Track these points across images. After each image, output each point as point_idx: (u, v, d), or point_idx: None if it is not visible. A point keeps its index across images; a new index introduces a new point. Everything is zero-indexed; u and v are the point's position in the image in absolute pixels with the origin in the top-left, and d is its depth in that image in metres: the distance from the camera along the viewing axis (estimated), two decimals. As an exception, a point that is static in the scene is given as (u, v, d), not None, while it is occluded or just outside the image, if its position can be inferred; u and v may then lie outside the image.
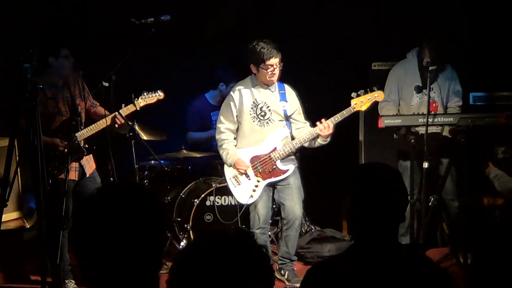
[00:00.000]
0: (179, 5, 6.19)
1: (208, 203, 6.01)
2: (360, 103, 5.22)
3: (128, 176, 5.77)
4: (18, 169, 4.84)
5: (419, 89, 5.64)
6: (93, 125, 5.23)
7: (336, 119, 5.20)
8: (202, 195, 5.97)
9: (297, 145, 5.30)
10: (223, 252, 1.70)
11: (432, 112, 5.46)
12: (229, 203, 5.98)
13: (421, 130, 5.20)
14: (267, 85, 5.34)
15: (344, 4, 6.75)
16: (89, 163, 5.34)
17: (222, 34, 6.76)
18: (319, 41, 6.82)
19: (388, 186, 2.36)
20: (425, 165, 5.21)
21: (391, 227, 2.36)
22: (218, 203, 6.02)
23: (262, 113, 5.33)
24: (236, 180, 5.41)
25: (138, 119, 5.68)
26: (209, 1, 6.82)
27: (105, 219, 1.77)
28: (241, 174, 5.37)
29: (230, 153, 5.36)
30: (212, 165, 6.47)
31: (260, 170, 5.35)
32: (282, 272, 5.48)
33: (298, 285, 5.22)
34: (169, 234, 5.87)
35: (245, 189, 5.39)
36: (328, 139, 5.24)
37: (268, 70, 5.21)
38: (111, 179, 5.37)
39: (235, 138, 5.43)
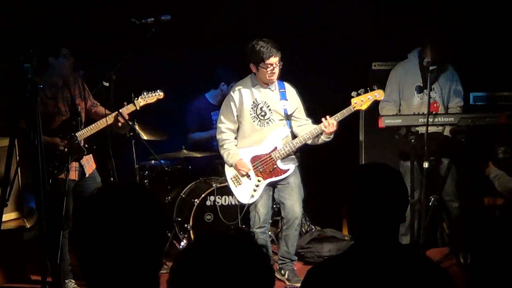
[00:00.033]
0: (179, 5, 6.19)
1: (208, 203, 6.01)
2: (360, 102, 5.22)
3: (129, 176, 5.77)
4: (18, 169, 4.84)
5: (420, 89, 5.63)
6: (93, 125, 5.23)
7: (336, 118, 5.20)
8: (203, 195, 5.97)
9: (298, 144, 5.30)
10: (224, 252, 1.70)
11: (433, 112, 5.47)
12: (230, 203, 5.98)
13: (422, 130, 5.20)
14: (267, 84, 5.34)
15: (344, 4, 6.75)
16: (89, 163, 5.34)
17: (222, 34, 6.76)
18: (319, 41, 6.82)
19: (388, 186, 2.36)
20: (426, 165, 5.21)
21: (392, 227, 2.36)
22: (218, 203, 6.02)
23: (262, 113, 5.33)
24: (237, 180, 5.41)
25: (139, 119, 5.67)
26: (209, 1, 6.81)
27: (105, 219, 1.78)
28: (242, 175, 5.38)
29: (231, 153, 5.36)
30: (213, 165, 6.48)
31: (260, 170, 5.35)
32: (282, 272, 5.48)
33: (298, 285, 5.21)
34: (169, 234, 5.87)
35: (246, 189, 5.39)
36: (331, 136, 5.24)
37: (268, 69, 5.21)
38: (111, 179, 5.37)
39: (235, 138, 5.42)
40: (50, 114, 5.10)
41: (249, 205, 5.40)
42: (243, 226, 5.63)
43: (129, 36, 5.51)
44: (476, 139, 5.48)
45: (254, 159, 5.36)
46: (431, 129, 5.25)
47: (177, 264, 1.74)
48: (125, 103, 5.32)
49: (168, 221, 5.74)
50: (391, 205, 2.34)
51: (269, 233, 5.77)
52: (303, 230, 6.32)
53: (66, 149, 5.09)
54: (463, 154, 5.49)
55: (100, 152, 5.33)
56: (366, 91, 5.24)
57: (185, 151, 6.39)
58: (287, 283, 5.43)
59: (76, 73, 5.30)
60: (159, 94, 5.43)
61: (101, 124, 5.21)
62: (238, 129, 5.41)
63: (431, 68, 5.33)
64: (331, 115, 5.21)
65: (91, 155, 5.32)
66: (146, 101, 5.39)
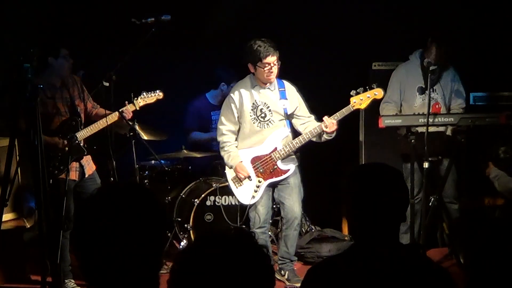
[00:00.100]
0: (179, 5, 6.19)
1: (208, 203, 6.01)
2: (360, 101, 5.22)
3: (129, 176, 5.77)
4: (18, 169, 4.84)
5: (422, 91, 5.63)
6: (93, 125, 5.24)
7: (336, 117, 5.20)
8: (203, 195, 5.97)
9: (298, 145, 5.30)
10: (224, 252, 1.70)
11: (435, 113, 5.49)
12: (230, 203, 5.97)
13: (423, 129, 5.20)
14: (266, 84, 5.33)
15: (344, 4, 6.75)
16: (89, 164, 5.35)
17: (222, 34, 6.76)
18: (319, 41, 6.82)
19: (389, 186, 2.36)
20: (426, 165, 5.21)
21: (392, 227, 2.36)
22: (218, 203, 6.02)
23: (262, 115, 5.33)
24: (237, 181, 5.41)
25: (139, 119, 5.68)
26: (209, 1, 6.81)
27: (105, 219, 1.78)
28: (241, 179, 5.38)
29: (232, 155, 5.36)
30: (213, 165, 6.48)
31: (261, 170, 5.35)
32: (282, 272, 5.47)
33: (298, 285, 5.21)
34: (169, 234, 5.87)
35: (246, 190, 5.38)
36: (333, 135, 5.25)
37: (265, 69, 5.20)
38: (112, 179, 5.37)
39: (236, 139, 5.42)
40: (50, 114, 5.10)
41: (250, 205, 5.40)
42: (243, 226, 5.63)
43: (129, 36, 5.51)
44: (476, 139, 5.48)
45: (254, 160, 5.36)
46: (434, 128, 5.26)
47: (178, 264, 1.74)
48: (126, 102, 5.33)
49: (168, 221, 5.74)
50: (391, 205, 2.34)
51: (269, 233, 5.77)
52: (303, 230, 6.32)
53: (66, 149, 5.09)
54: (463, 154, 5.49)
55: (101, 152, 5.33)
56: (365, 90, 5.24)
57: (185, 151, 6.38)
58: (287, 283, 5.43)
59: (76, 74, 5.29)
60: (159, 94, 5.43)
61: (101, 124, 5.21)
62: (238, 130, 5.41)
63: (431, 68, 5.33)
64: (331, 115, 5.21)
65: (90, 156, 5.32)
66: (146, 101, 5.40)
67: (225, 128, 5.38)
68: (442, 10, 6.38)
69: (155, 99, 5.43)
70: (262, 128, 5.33)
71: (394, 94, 5.76)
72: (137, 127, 5.65)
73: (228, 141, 5.38)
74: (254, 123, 5.33)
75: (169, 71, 6.78)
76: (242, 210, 5.62)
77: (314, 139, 5.31)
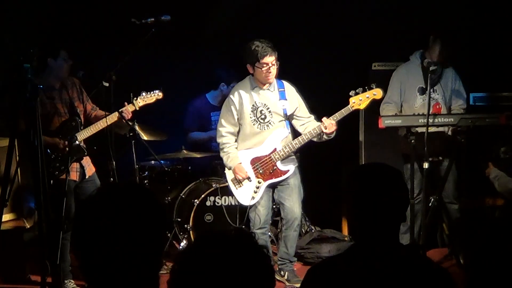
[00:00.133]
0: (179, 5, 6.19)
1: (208, 203, 6.01)
2: (359, 101, 5.22)
3: (128, 176, 5.77)
4: (18, 169, 4.84)
5: (422, 91, 5.62)
6: (92, 126, 5.24)
7: (335, 118, 5.21)
8: (202, 196, 5.97)
9: (297, 145, 5.30)
10: (224, 252, 1.70)
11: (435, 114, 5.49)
12: (230, 204, 5.97)
13: (423, 130, 5.20)
14: (265, 85, 5.32)
15: (344, 4, 6.75)
16: (89, 165, 5.36)
17: (222, 34, 6.77)
18: (319, 41, 6.82)
19: (389, 186, 2.36)
20: (425, 165, 5.20)
21: (392, 227, 2.36)
22: (218, 203, 6.02)
23: (262, 116, 5.33)
24: (237, 182, 5.41)
25: (139, 119, 5.68)
26: (209, 1, 6.81)
27: (105, 219, 1.77)
28: (240, 180, 5.38)
29: (231, 157, 5.36)
30: (212, 165, 6.47)
31: (260, 171, 5.35)
32: (282, 273, 5.47)
33: (298, 285, 5.20)
34: (169, 235, 5.87)
35: (246, 191, 5.38)
36: (333, 135, 5.25)
37: (263, 69, 5.20)
38: (111, 179, 5.37)
39: (236, 141, 5.43)
40: (49, 115, 5.11)
41: (250, 206, 5.40)
42: (243, 226, 5.63)
43: (129, 36, 5.51)
44: (476, 139, 5.48)
45: (254, 161, 5.36)
46: (434, 129, 5.26)
47: (178, 265, 1.74)
48: (126, 103, 5.33)
49: (168, 222, 5.74)
50: (391, 204, 2.34)
51: (269, 233, 5.77)
52: (303, 230, 6.31)
53: (66, 150, 5.09)
54: (463, 154, 5.49)
55: (100, 152, 5.33)
56: (364, 90, 5.24)
57: (185, 151, 6.38)
58: (287, 283, 5.43)
59: (76, 74, 5.29)
60: (158, 94, 5.44)
61: (100, 124, 5.22)
62: (238, 131, 5.41)
63: (431, 68, 5.33)
64: (330, 115, 5.21)
65: (89, 158, 5.33)
66: (145, 101, 5.40)
67: (225, 130, 5.38)
68: (442, 10, 6.38)
69: (154, 99, 5.43)
70: (262, 130, 5.33)
71: (394, 95, 5.75)
72: (137, 128, 5.65)
73: (228, 142, 5.38)
74: (254, 124, 5.33)
75: (169, 71, 6.78)
76: (242, 211, 5.62)
77: (314, 139, 5.31)
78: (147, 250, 1.80)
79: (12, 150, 4.06)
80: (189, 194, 6.16)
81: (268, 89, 5.35)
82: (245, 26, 6.61)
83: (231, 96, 5.38)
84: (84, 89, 5.39)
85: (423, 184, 5.33)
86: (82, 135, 5.20)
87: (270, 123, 5.33)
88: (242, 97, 5.32)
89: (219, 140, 5.44)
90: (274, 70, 5.24)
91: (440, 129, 5.49)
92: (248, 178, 5.36)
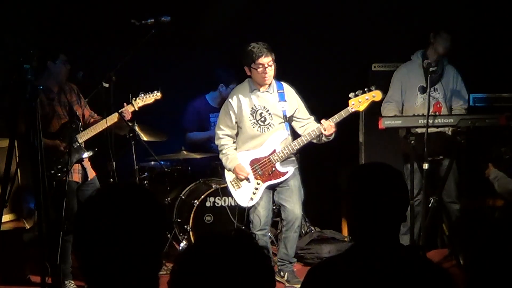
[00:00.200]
0: (178, 6, 6.19)
1: (208, 204, 6.01)
2: (358, 103, 5.22)
3: (128, 177, 5.77)
4: (18, 170, 4.84)
5: (423, 90, 5.62)
6: (93, 127, 5.26)
7: (334, 120, 5.21)
8: (202, 196, 5.96)
9: (297, 147, 5.30)
10: (224, 253, 1.70)
11: (436, 113, 5.49)
12: (229, 204, 5.97)
13: (423, 130, 5.20)
14: (263, 86, 5.32)
15: (344, 5, 6.75)
16: (90, 168, 5.37)
17: (222, 35, 6.76)
18: (319, 42, 6.82)
19: (389, 186, 2.35)
20: (425, 166, 5.20)
21: (392, 227, 2.36)
22: (218, 204, 6.02)
23: (262, 119, 5.33)
24: (236, 183, 5.41)
25: (138, 120, 5.68)
26: (208, 2, 6.81)
27: (105, 220, 1.78)
28: (241, 180, 5.38)
29: (230, 158, 5.36)
30: (212, 166, 6.47)
31: (259, 172, 5.34)
32: (282, 273, 5.47)
33: (298, 286, 5.21)
34: (169, 235, 5.87)
35: (245, 192, 5.38)
36: (332, 137, 5.25)
37: (259, 70, 5.20)
38: (111, 180, 5.38)
39: (234, 142, 5.43)
40: (49, 117, 5.12)
41: (249, 207, 5.40)
42: (243, 227, 5.62)
43: (129, 37, 5.51)
44: (476, 140, 5.48)
45: (253, 162, 5.36)
46: (435, 129, 5.26)
47: (178, 265, 1.74)
48: (125, 103, 5.34)
49: (167, 222, 5.74)
50: (391, 205, 2.34)
51: (269, 234, 5.77)
52: (303, 231, 6.31)
53: (67, 152, 5.10)
54: (463, 155, 5.49)
55: (100, 153, 5.33)
56: (363, 92, 5.24)
57: (184, 152, 6.38)
58: (287, 284, 5.42)
59: (75, 75, 5.30)
60: (157, 95, 5.45)
61: (100, 126, 5.23)
62: (237, 134, 5.41)
63: (431, 69, 5.34)
64: (331, 116, 5.22)
65: (89, 162, 5.34)
66: (144, 101, 5.41)
67: (222, 132, 5.40)
68: (442, 10, 6.38)
69: (153, 100, 5.45)
70: (262, 132, 5.33)
71: (395, 94, 5.76)
72: (136, 128, 5.65)
73: (226, 143, 5.39)
74: (254, 127, 5.33)
75: (168, 72, 6.78)
76: (242, 212, 5.60)
77: (313, 141, 5.31)
78: (146, 251, 1.80)
79: (12, 151, 4.06)
80: (189, 195, 6.16)
81: (267, 91, 5.35)
82: (244, 27, 6.61)
83: (229, 99, 5.39)
84: (82, 95, 5.41)
85: (423, 185, 5.34)
86: (82, 137, 5.21)
87: (270, 125, 5.33)
88: (240, 101, 5.32)
89: (217, 142, 5.45)
90: (270, 71, 5.23)
91: (440, 129, 5.49)
92: (248, 179, 5.36)
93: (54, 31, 6.27)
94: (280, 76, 5.40)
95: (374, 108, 5.56)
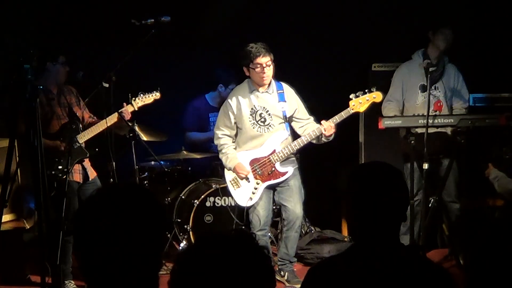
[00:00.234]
0: (178, 6, 6.19)
1: (208, 204, 6.01)
2: (359, 104, 5.23)
3: (128, 177, 5.77)
4: (18, 170, 4.84)
5: (424, 88, 5.61)
6: (93, 127, 5.27)
7: (334, 120, 5.21)
8: (202, 196, 5.97)
9: (297, 147, 5.30)
10: (224, 253, 1.70)
11: (437, 112, 5.51)
12: (229, 204, 5.97)
13: (423, 130, 5.20)
14: (262, 87, 5.32)
15: (344, 5, 6.75)
16: (90, 168, 5.38)
17: (222, 35, 6.76)
18: (319, 42, 6.82)
19: (389, 186, 2.35)
20: (425, 166, 5.21)
21: (392, 227, 2.36)
22: (218, 204, 6.02)
23: (262, 119, 5.33)
24: (235, 183, 5.41)
25: (138, 120, 5.68)
26: (208, 2, 6.81)
27: (105, 220, 1.78)
28: (241, 178, 5.38)
29: (230, 157, 5.37)
30: (212, 166, 6.47)
31: (259, 172, 5.35)
32: (282, 273, 5.47)
33: (298, 286, 5.21)
34: (169, 235, 5.87)
35: (244, 192, 5.39)
36: (331, 138, 5.26)
37: (257, 69, 5.20)
38: (111, 180, 5.38)
39: (233, 141, 5.43)
40: (48, 117, 5.13)
41: (249, 207, 5.40)
42: (243, 227, 5.63)
43: (129, 37, 5.51)
44: (476, 140, 5.49)
45: (253, 162, 5.36)
46: (435, 129, 5.26)
47: (178, 265, 1.74)
48: (124, 104, 5.34)
49: (167, 222, 5.74)
50: (391, 204, 2.34)
51: (269, 234, 5.77)
52: (303, 231, 6.31)
53: (68, 152, 5.11)
54: (463, 155, 5.49)
55: (101, 152, 5.33)
56: (364, 93, 5.24)
57: (184, 152, 6.38)
58: (287, 284, 5.42)
59: (75, 75, 5.30)
60: (156, 95, 5.46)
61: (101, 126, 5.23)
62: (237, 134, 5.41)
63: (431, 69, 5.35)
64: (331, 116, 5.22)
65: (89, 162, 5.34)
66: (144, 101, 5.42)
67: (221, 132, 5.41)
68: (441, 10, 6.38)
69: (152, 100, 5.46)
70: (262, 132, 5.33)
71: (396, 93, 5.76)
72: (136, 128, 5.65)
73: (225, 143, 5.39)
74: (254, 128, 5.33)
75: (168, 72, 6.78)
76: (242, 212, 5.60)
77: (313, 141, 5.32)
78: (146, 251, 1.80)
79: (12, 151, 4.06)
80: (189, 195, 6.16)
81: (266, 91, 5.35)
82: (244, 27, 6.61)
83: (229, 100, 5.39)
84: (82, 95, 5.42)
85: (422, 185, 5.34)
86: (82, 137, 5.22)
87: (270, 125, 5.33)
88: (240, 102, 5.32)
89: (216, 142, 5.46)
90: (269, 71, 5.23)
91: (440, 129, 5.49)
92: (247, 179, 5.37)
93: (54, 31, 6.27)
94: (280, 76, 5.40)
95: (374, 108, 5.56)
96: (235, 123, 5.36)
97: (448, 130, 5.51)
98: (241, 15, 6.72)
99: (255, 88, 5.33)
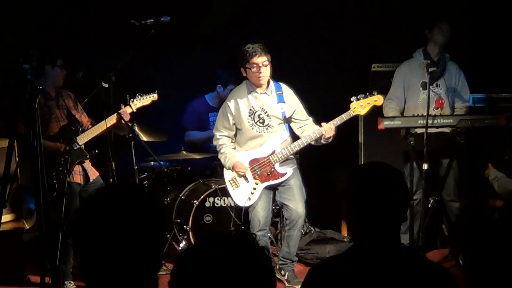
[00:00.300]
0: (178, 6, 6.19)
1: (207, 204, 6.01)
2: (359, 107, 5.23)
3: (128, 177, 5.77)
4: (18, 170, 4.84)
5: (425, 86, 5.63)
6: (92, 128, 5.27)
7: (335, 123, 5.21)
8: (202, 197, 5.96)
9: (296, 148, 5.30)
10: (225, 253, 1.70)
11: (439, 109, 5.50)
12: (229, 205, 5.97)
13: (423, 131, 5.20)
14: (260, 88, 5.31)
15: (344, 5, 6.75)
16: (91, 169, 5.39)
17: (222, 35, 6.76)
18: (318, 42, 6.82)
19: (389, 186, 2.35)
20: (425, 166, 5.21)
21: (392, 227, 2.36)
22: (217, 204, 6.02)
23: (261, 120, 5.33)
24: (234, 182, 5.41)
25: (138, 120, 5.68)
26: (208, 2, 6.81)
27: (104, 220, 1.78)
28: (240, 176, 5.38)
29: (228, 156, 5.37)
30: (212, 166, 6.47)
31: (258, 173, 5.34)
32: (283, 272, 5.46)
33: (298, 286, 5.21)
34: (168, 235, 5.87)
35: (243, 192, 5.38)
36: (330, 140, 5.26)
37: (253, 69, 5.20)
38: (111, 180, 5.38)
39: (232, 142, 5.43)
40: (46, 118, 5.14)
41: (248, 207, 5.40)
42: (243, 227, 5.62)
43: (128, 37, 5.51)
44: (475, 140, 5.49)
45: (252, 162, 5.36)
46: (435, 129, 5.27)
47: (179, 266, 1.74)
48: (122, 105, 5.34)
49: (167, 222, 5.73)
50: (392, 204, 2.34)
51: (268, 234, 5.76)
52: (302, 231, 6.30)
53: (67, 154, 5.11)
54: (462, 155, 5.50)
55: (101, 153, 5.33)
56: (365, 96, 5.24)
57: (184, 152, 6.38)
58: (287, 284, 5.42)
59: (75, 76, 5.30)
60: (154, 96, 5.47)
61: (100, 127, 5.24)
62: (236, 135, 5.42)
63: (430, 69, 5.35)
64: (330, 116, 5.22)
65: (90, 162, 5.34)
66: (142, 103, 5.43)
67: (219, 133, 5.42)
68: (441, 11, 6.38)
69: (150, 101, 5.47)
70: (262, 133, 5.33)
71: (397, 91, 5.77)
72: (136, 129, 5.66)
73: (224, 143, 5.40)
74: (253, 128, 5.33)
75: (168, 72, 6.78)
76: (240, 211, 5.60)
77: (312, 143, 5.31)
78: (146, 251, 1.80)
79: (11, 151, 4.06)
80: (189, 195, 6.16)
81: (265, 92, 5.35)
82: (244, 27, 6.61)
83: (227, 102, 5.40)
84: (82, 95, 5.42)
85: (422, 185, 5.34)
86: (82, 139, 5.23)
87: (269, 126, 5.33)
88: (238, 103, 5.32)
89: (215, 143, 5.47)
90: (265, 71, 5.23)
91: (440, 129, 5.49)
92: (246, 179, 5.36)
93: (54, 31, 6.28)
94: (279, 76, 5.40)
95: (374, 109, 5.56)
96: (233, 124, 5.37)
97: (448, 130, 5.52)
98: (241, 16, 6.72)
99: (253, 89, 5.33)
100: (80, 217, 1.83)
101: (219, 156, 5.46)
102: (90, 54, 6.26)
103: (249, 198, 5.35)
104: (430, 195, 5.47)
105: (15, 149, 4.68)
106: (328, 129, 5.18)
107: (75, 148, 5.18)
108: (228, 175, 5.45)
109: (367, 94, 5.25)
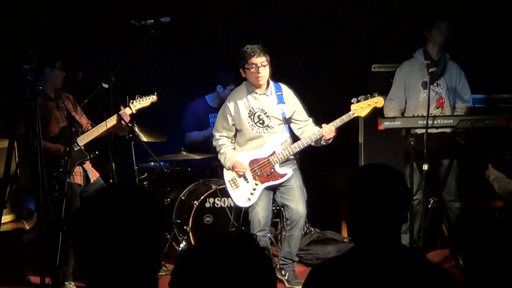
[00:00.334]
0: (178, 6, 6.19)
1: (207, 205, 6.01)
2: (360, 108, 5.23)
3: (128, 178, 5.77)
4: (18, 171, 4.84)
5: (426, 85, 5.63)
6: (93, 129, 5.27)
7: (335, 124, 5.21)
8: (202, 197, 5.96)
9: (296, 149, 5.29)
10: (225, 254, 1.70)
11: (439, 108, 5.49)
12: (229, 205, 5.97)
13: (423, 131, 5.20)
14: (259, 88, 5.31)
15: (344, 6, 6.75)
16: (92, 170, 5.39)
17: (222, 35, 6.76)
18: (318, 43, 6.82)
19: (389, 187, 2.35)
20: (425, 167, 5.21)
21: (393, 228, 2.36)
22: (217, 205, 6.02)
23: (260, 121, 5.33)
24: (234, 183, 5.41)
25: (138, 121, 5.68)
26: (209, 2, 6.81)
27: (104, 220, 1.78)
28: (240, 176, 5.38)
29: (228, 156, 5.37)
30: (212, 167, 6.47)
31: (258, 173, 5.34)
32: (283, 272, 5.46)
33: (298, 287, 5.21)
34: (168, 236, 5.86)
35: (243, 192, 5.38)
36: (330, 141, 5.26)
37: (252, 70, 5.20)
38: (111, 180, 5.38)
39: (232, 142, 5.44)
40: (46, 118, 5.13)
41: (248, 208, 5.39)
42: (243, 228, 5.62)
43: (128, 37, 5.51)
44: (475, 141, 5.49)
45: (252, 163, 5.36)
46: (435, 130, 5.27)
47: (179, 266, 1.74)
48: (122, 106, 5.34)
49: (167, 223, 5.73)
50: (392, 205, 2.34)
51: (268, 235, 5.76)
52: (302, 232, 6.30)
53: (67, 155, 5.11)
54: (462, 156, 5.49)
55: (100, 153, 5.33)
56: (366, 98, 5.24)
57: (184, 153, 6.38)
58: (287, 284, 5.42)
59: (75, 76, 5.30)
60: (153, 98, 5.46)
61: (100, 128, 5.24)
62: (235, 135, 5.42)
63: (430, 70, 5.35)
64: (330, 117, 5.22)
65: (90, 165, 5.35)
66: (141, 104, 5.43)
67: (219, 134, 5.42)
68: (441, 11, 6.38)
69: (149, 102, 5.47)
70: (262, 133, 5.33)
71: (398, 91, 5.77)
72: (136, 129, 5.66)
73: (223, 144, 5.40)
74: (253, 129, 5.33)
75: (168, 73, 6.79)
76: (239, 212, 5.60)
77: (312, 144, 5.31)
78: (146, 252, 1.80)
79: (11, 151, 4.06)
80: (189, 196, 6.16)
81: (264, 93, 5.35)
82: (244, 27, 6.61)
83: (227, 102, 5.40)
84: (82, 95, 5.42)
85: (422, 186, 5.34)
86: (83, 140, 5.23)
87: (269, 126, 5.33)
88: (238, 104, 5.32)
89: (215, 143, 5.47)
90: (264, 72, 5.23)
91: (441, 129, 5.49)
92: (246, 179, 5.36)
93: (54, 31, 6.27)
94: (279, 77, 5.40)
95: (374, 110, 5.56)
96: (233, 125, 5.37)
97: (448, 131, 5.52)
98: (240, 16, 6.72)
99: (253, 90, 5.33)
100: (80, 217, 1.83)
101: (219, 156, 5.46)
102: (90, 54, 6.26)
103: (249, 199, 5.35)
104: (430, 196, 5.47)
105: (15, 150, 4.67)
106: (329, 131, 5.18)
107: (76, 149, 5.18)
108: (228, 175, 5.45)
109: (368, 95, 5.25)
